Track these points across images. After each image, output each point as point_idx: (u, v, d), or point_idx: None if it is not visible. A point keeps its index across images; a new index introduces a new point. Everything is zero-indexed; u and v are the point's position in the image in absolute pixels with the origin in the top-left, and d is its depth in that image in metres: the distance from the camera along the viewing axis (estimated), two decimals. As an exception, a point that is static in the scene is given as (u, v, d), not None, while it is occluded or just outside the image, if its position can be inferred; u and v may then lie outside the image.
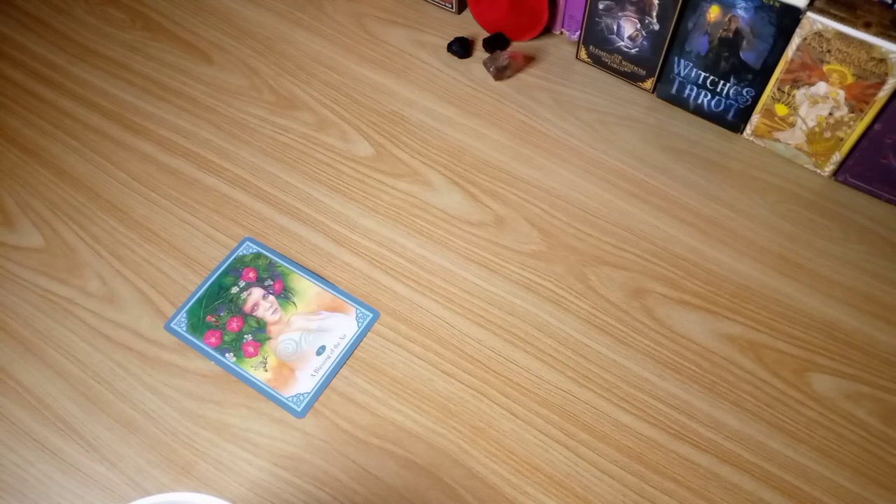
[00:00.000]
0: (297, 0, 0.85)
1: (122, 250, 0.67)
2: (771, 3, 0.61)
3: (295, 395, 0.59)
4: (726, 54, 0.67)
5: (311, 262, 0.66)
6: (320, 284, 0.65)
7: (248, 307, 0.63)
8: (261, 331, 0.62)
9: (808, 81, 0.64)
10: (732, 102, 0.71)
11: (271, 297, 0.64)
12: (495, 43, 0.79)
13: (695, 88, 0.72)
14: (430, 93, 0.77)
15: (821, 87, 0.64)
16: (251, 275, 0.65)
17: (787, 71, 0.65)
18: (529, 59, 0.80)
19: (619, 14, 0.71)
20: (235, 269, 0.65)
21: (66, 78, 0.79)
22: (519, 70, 0.79)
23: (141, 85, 0.78)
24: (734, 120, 0.73)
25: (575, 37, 0.80)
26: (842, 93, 0.63)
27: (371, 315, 0.63)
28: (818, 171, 0.71)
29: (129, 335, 0.62)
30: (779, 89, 0.67)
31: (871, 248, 0.67)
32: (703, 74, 0.70)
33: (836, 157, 0.68)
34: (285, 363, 0.61)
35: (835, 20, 0.60)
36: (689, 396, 0.59)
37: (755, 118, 0.71)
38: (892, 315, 0.63)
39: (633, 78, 0.76)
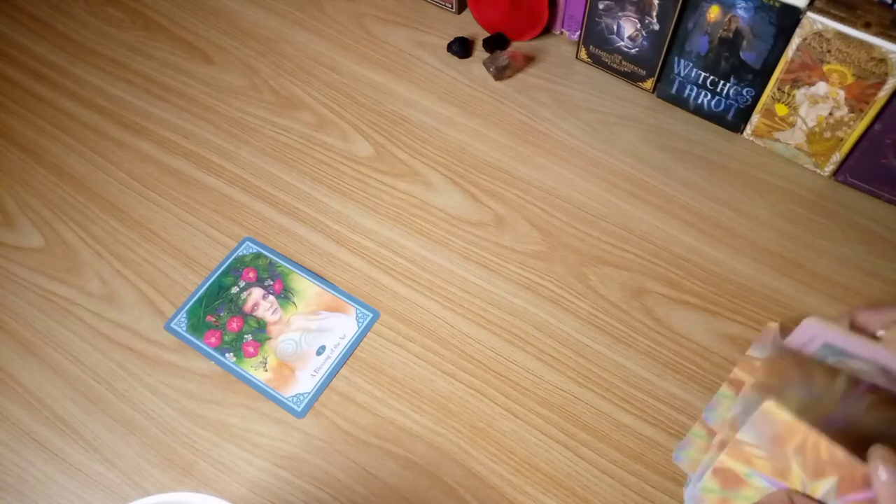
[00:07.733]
0: (297, 0, 0.85)
1: (122, 250, 0.67)
2: (771, 3, 0.61)
3: (295, 395, 0.59)
4: (726, 54, 0.67)
5: (311, 262, 0.66)
6: (320, 284, 0.65)
7: (248, 307, 0.63)
8: (261, 331, 0.62)
9: (808, 81, 0.64)
10: (732, 102, 0.71)
11: (271, 297, 0.64)
12: (495, 43, 0.79)
13: (695, 88, 0.72)
14: (430, 93, 0.77)
15: (821, 87, 0.64)
16: (251, 275, 0.65)
17: (787, 71, 0.65)
18: (529, 59, 0.80)
19: (619, 14, 0.71)
20: (235, 269, 0.65)
21: (66, 78, 0.79)
22: (519, 70, 0.79)
23: (141, 85, 0.78)
24: (734, 120, 0.73)
25: (575, 37, 0.80)
26: (842, 93, 0.63)
27: (371, 315, 0.63)
28: (818, 171, 0.71)
29: (129, 335, 0.62)
30: (779, 89, 0.67)
31: (871, 248, 0.67)
32: (703, 74, 0.70)
33: (836, 157, 0.68)
34: (285, 363, 0.61)
35: (835, 20, 0.60)
36: (689, 396, 0.59)
37: (755, 118, 0.71)
38: (892, 315, 0.63)
39: (633, 78, 0.76)
